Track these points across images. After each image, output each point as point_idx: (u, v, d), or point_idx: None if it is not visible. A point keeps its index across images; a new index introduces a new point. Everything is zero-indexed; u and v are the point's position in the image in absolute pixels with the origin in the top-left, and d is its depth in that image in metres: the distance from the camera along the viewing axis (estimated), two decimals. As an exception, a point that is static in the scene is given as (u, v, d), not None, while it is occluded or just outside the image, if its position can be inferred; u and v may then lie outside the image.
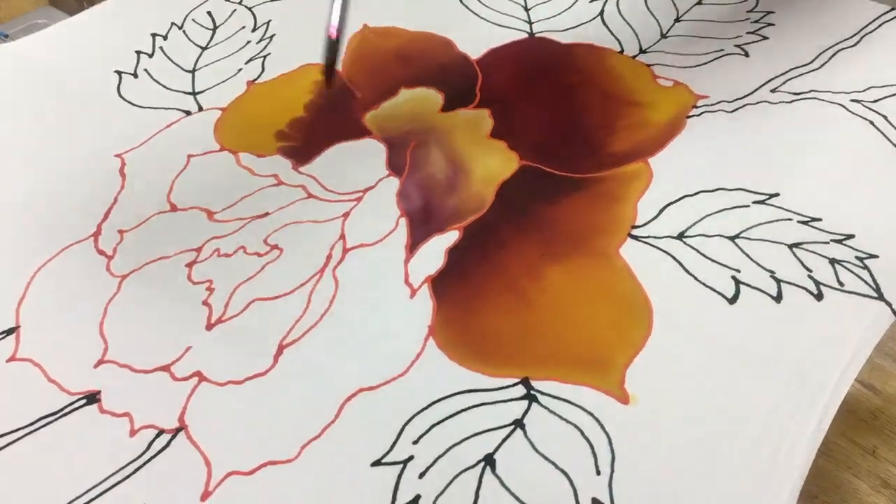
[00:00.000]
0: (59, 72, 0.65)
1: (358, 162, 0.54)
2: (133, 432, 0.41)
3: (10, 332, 0.46)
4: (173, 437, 0.40)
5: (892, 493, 0.38)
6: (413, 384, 0.41)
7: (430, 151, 0.54)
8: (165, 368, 0.43)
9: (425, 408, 0.40)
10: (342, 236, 0.49)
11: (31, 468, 0.40)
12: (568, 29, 0.63)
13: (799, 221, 0.46)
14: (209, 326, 0.45)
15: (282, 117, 0.58)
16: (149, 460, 0.39)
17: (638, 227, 0.47)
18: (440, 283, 0.46)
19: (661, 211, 0.48)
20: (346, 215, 0.50)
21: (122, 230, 0.51)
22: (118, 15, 0.71)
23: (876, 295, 0.42)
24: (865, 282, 0.43)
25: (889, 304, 0.41)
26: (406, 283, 0.46)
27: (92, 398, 0.42)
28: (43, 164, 0.57)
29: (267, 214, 0.51)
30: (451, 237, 0.48)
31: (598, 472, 0.37)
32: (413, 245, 0.48)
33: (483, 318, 0.44)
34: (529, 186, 0.50)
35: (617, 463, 0.37)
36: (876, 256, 0.44)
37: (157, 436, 0.40)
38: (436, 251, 0.47)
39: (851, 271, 0.43)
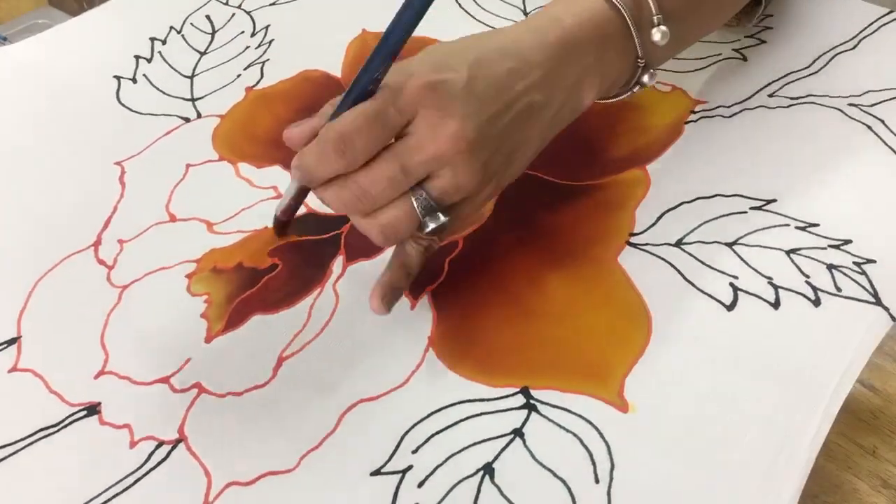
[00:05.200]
0: (59, 77, 0.65)
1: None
2: (133, 444, 0.41)
3: (11, 342, 0.46)
4: (173, 448, 0.40)
5: (892, 493, 0.38)
6: (412, 394, 0.41)
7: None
8: (165, 380, 0.43)
9: (424, 418, 0.40)
10: (342, 251, 0.49)
11: (31, 479, 0.40)
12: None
13: (796, 227, 0.46)
14: (209, 339, 0.45)
15: (281, 126, 0.58)
16: (149, 471, 0.40)
17: (636, 234, 0.47)
18: (440, 294, 0.46)
19: (658, 218, 0.48)
20: (345, 229, 0.50)
21: (122, 240, 0.51)
22: (116, 18, 0.71)
23: (874, 300, 0.42)
24: (863, 287, 0.42)
25: (887, 309, 0.41)
26: (406, 296, 0.46)
27: (92, 409, 0.43)
28: (43, 171, 0.57)
29: (266, 228, 0.50)
30: (451, 247, 0.48)
31: (597, 481, 0.37)
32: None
33: (482, 327, 0.44)
34: (529, 195, 0.50)
35: (616, 471, 0.37)
36: (874, 262, 0.44)
37: (157, 447, 0.41)
38: (436, 262, 0.47)
39: (849, 277, 0.43)
